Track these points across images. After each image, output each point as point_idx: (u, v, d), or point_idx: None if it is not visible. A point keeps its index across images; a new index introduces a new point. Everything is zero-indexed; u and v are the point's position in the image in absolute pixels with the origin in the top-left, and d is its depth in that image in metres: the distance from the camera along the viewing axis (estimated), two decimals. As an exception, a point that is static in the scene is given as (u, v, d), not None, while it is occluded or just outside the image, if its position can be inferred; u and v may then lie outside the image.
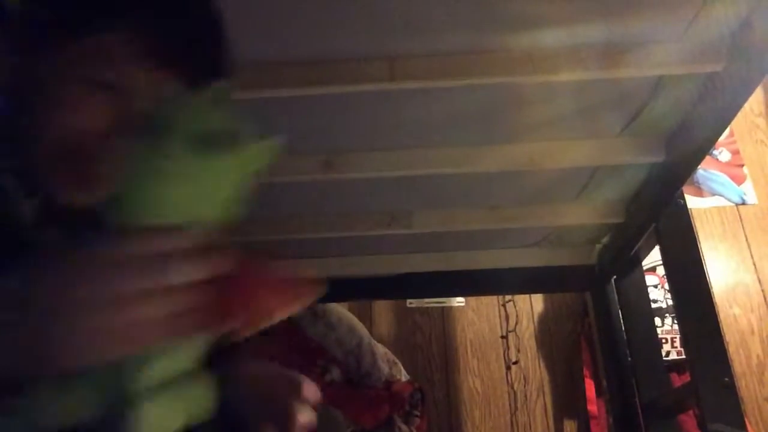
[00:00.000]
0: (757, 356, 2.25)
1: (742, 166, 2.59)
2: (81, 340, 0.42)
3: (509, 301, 2.45)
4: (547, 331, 2.41)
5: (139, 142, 0.50)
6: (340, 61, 1.08)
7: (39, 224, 0.65)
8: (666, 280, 1.57)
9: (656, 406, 1.64)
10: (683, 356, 1.97)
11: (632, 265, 1.77)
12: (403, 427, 2.00)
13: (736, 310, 2.32)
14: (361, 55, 1.08)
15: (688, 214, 1.47)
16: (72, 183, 0.63)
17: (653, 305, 1.99)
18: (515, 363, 2.35)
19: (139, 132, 0.51)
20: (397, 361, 2.15)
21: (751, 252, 2.42)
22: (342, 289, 1.96)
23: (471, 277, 1.97)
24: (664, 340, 2.09)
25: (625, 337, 1.79)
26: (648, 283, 1.87)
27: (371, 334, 2.17)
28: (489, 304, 2.46)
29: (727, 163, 2.59)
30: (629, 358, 1.76)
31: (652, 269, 2.19)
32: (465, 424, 2.27)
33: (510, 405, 2.30)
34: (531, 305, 2.45)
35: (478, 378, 2.35)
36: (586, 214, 1.65)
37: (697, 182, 2.54)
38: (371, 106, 1.22)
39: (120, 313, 0.42)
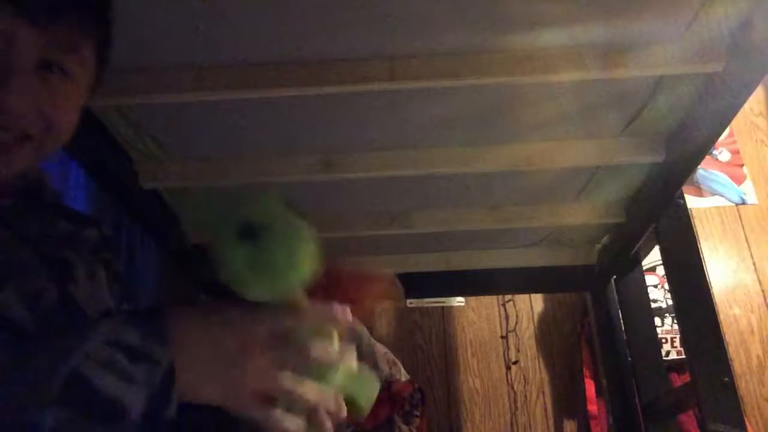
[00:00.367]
0: (757, 356, 2.25)
1: (742, 166, 2.59)
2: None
3: (509, 301, 2.45)
4: (547, 331, 2.41)
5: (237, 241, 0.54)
6: (340, 61, 1.08)
7: None
8: (666, 280, 1.57)
9: (656, 406, 1.64)
10: (683, 356, 1.97)
11: (632, 265, 1.77)
12: (403, 427, 2.00)
13: (736, 311, 2.32)
14: (361, 55, 1.08)
15: (688, 214, 1.47)
16: None
17: (653, 305, 1.99)
18: (515, 363, 2.35)
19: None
20: (397, 361, 2.15)
21: (751, 252, 2.42)
22: (342, 289, 1.95)
23: (471, 277, 1.97)
24: (664, 340, 2.09)
25: (625, 337, 1.79)
26: (648, 283, 1.87)
27: (371, 334, 2.17)
28: (489, 304, 2.46)
29: (727, 163, 2.60)
30: (629, 358, 1.76)
31: (652, 269, 2.19)
32: (465, 424, 2.27)
33: (510, 405, 2.30)
34: (531, 305, 2.45)
35: (478, 378, 2.35)
36: (586, 214, 1.65)
37: (697, 182, 2.54)
38: (371, 106, 1.22)
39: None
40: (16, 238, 0.64)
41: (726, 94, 1.09)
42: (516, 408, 2.29)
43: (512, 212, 1.66)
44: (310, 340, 0.52)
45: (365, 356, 2.05)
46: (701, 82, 1.14)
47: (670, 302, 2.11)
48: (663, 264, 1.48)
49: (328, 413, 0.53)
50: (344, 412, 0.54)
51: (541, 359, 2.37)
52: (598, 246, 1.91)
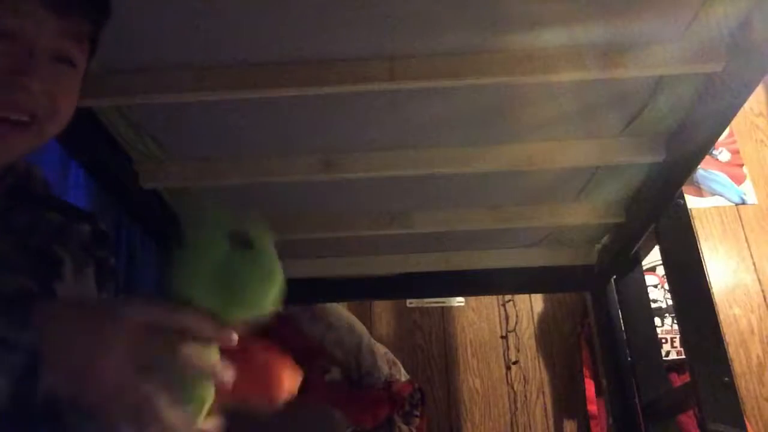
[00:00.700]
0: (757, 356, 2.25)
1: (742, 166, 2.59)
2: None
3: (509, 301, 2.45)
4: (547, 331, 2.41)
5: (196, 234, 0.55)
6: (340, 61, 1.08)
7: None
8: (666, 280, 1.57)
9: (656, 406, 1.64)
10: (683, 356, 1.97)
11: (632, 265, 1.77)
12: (403, 427, 2.00)
13: (736, 311, 2.32)
14: (361, 55, 1.08)
15: (688, 214, 1.47)
16: (3, 135, 0.62)
17: (653, 305, 1.99)
18: (515, 363, 2.35)
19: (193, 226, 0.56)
20: (397, 361, 2.15)
21: (751, 252, 2.42)
22: (342, 289, 1.96)
23: (471, 277, 1.96)
24: (664, 340, 2.09)
25: (625, 337, 1.79)
26: (648, 283, 1.87)
27: (371, 334, 2.17)
28: (489, 304, 2.46)
29: (727, 163, 2.59)
30: (629, 358, 1.76)
31: (652, 269, 2.19)
32: (465, 424, 2.27)
33: (510, 405, 2.30)
34: (531, 305, 2.45)
35: (478, 378, 2.35)
36: (586, 214, 1.65)
37: (697, 182, 2.54)
38: (371, 106, 1.22)
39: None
40: (2, 233, 0.64)
41: (726, 94, 1.09)
42: (516, 408, 2.29)
43: (512, 212, 1.66)
44: (186, 344, 0.49)
45: (365, 356, 2.05)
46: (701, 82, 1.14)
47: (670, 302, 2.11)
48: (663, 264, 1.48)
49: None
50: None
51: (541, 359, 2.37)
52: (598, 246, 1.91)
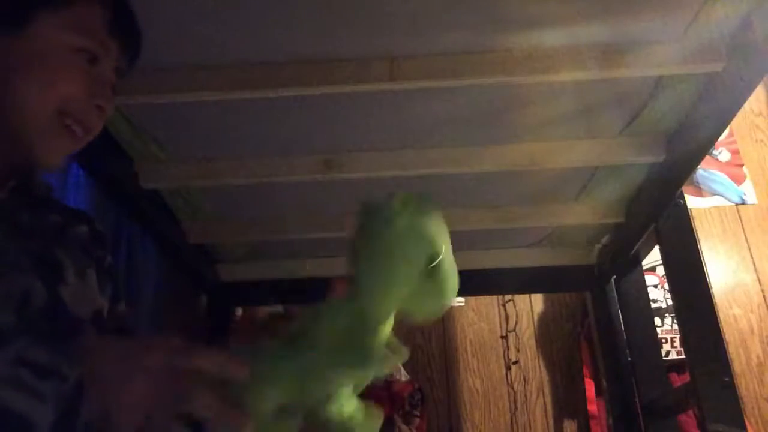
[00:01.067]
0: (757, 356, 2.25)
1: (742, 166, 2.59)
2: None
3: (509, 301, 2.45)
4: (547, 331, 2.40)
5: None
6: (340, 61, 1.09)
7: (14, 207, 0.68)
8: (666, 280, 1.57)
9: (656, 406, 1.64)
10: (683, 356, 1.97)
11: (632, 265, 1.77)
12: (403, 427, 2.00)
13: (736, 311, 2.32)
14: (361, 55, 1.08)
15: (688, 214, 1.46)
16: (65, 145, 0.69)
17: (653, 305, 1.99)
18: (515, 363, 2.35)
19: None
20: (397, 361, 2.15)
21: (751, 252, 2.42)
22: (342, 289, 1.95)
23: (471, 277, 1.96)
24: (664, 340, 2.08)
25: (625, 337, 1.79)
26: (648, 283, 1.87)
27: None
28: (489, 304, 2.46)
29: (727, 163, 2.59)
30: (629, 358, 1.76)
31: (652, 269, 2.19)
32: (465, 424, 2.27)
33: (510, 405, 2.30)
34: (531, 305, 2.45)
35: (478, 378, 2.35)
36: (586, 214, 1.65)
37: (697, 182, 2.54)
38: (371, 106, 1.22)
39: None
40: (8, 233, 0.64)
41: (726, 94, 1.09)
42: (516, 408, 2.29)
43: (512, 212, 1.66)
44: (208, 388, 0.52)
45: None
46: (701, 82, 1.14)
47: (670, 302, 2.11)
48: (663, 264, 1.48)
49: None
50: None
51: (541, 359, 2.37)
52: (598, 246, 1.91)
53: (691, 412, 1.78)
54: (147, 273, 1.55)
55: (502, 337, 2.40)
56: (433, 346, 2.39)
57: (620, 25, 1.03)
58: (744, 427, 1.25)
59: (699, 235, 2.34)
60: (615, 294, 1.85)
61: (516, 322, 2.41)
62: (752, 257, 2.41)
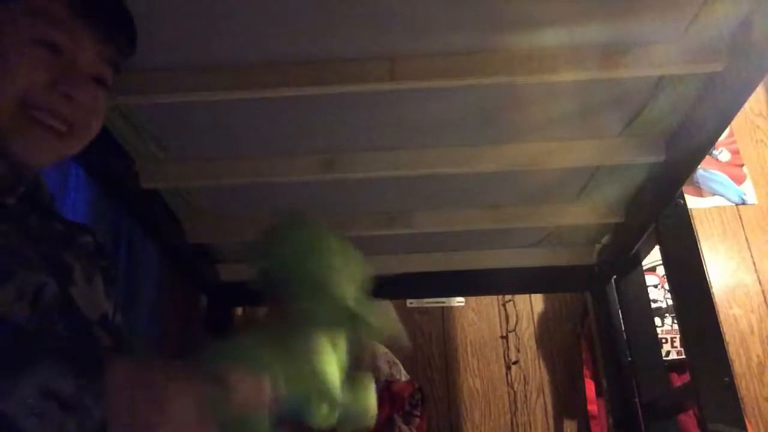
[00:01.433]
0: (757, 356, 2.25)
1: (742, 166, 2.59)
2: None
3: (509, 301, 2.44)
4: (547, 331, 2.40)
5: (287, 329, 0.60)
6: (340, 61, 1.09)
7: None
8: (666, 280, 1.57)
9: (656, 406, 1.63)
10: (683, 356, 1.97)
11: (632, 265, 1.77)
12: (403, 427, 2.00)
13: (736, 311, 2.32)
14: (361, 55, 1.08)
15: (688, 214, 1.47)
16: (40, 140, 0.66)
17: (653, 305, 1.99)
18: (515, 363, 2.35)
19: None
20: (397, 361, 2.15)
21: (751, 252, 2.42)
22: (342, 289, 1.95)
23: (471, 277, 1.96)
24: (664, 340, 2.08)
25: (625, 337, 1.79)
26: (648, 283, 1.86)
27: (371, 334, 2.17)
28: (489, 304, 2.46)
29: (727, 163, 2.59)
30: (629, 358, 1.76)
31: (652, 269, 2.19)
32: (465, 424, 2.27)
33: (510, 405, 2.30)
34: (531, 305, 2.45)
35: (478, 378, 2.35)
36: (586, 214, 1.65)
37: (697, 182, 2.54)
38: (371, 106, 1.22)
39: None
40: (20, 235, 0.64)
41: (726, 94, 1.09)
42: (516, 408, 2.29)
43: (512, 212, 1.66)
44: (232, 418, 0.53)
45: (365, 356, 2.04)
46: (701, 82, 1.14)
47: (670, 302, 2.11)
48: (663, 264, 1.48)
49: None
50: None
51: (541, 359, 2.37)
52: (598, 246, 1.90)
53: (691, 412, 1.78)
54: (147, 273, 1.55)
55: (502, 337, 2.40)
56: (433, 346, 2.39)
57: (620, 25, 1.03)
58: (744, 427, 1.25)
59: (699, 235, 2.34)
60: (615, 294, 1.85)
61: (516, 322, 2.41)
62: (752, 257, 2.41)
